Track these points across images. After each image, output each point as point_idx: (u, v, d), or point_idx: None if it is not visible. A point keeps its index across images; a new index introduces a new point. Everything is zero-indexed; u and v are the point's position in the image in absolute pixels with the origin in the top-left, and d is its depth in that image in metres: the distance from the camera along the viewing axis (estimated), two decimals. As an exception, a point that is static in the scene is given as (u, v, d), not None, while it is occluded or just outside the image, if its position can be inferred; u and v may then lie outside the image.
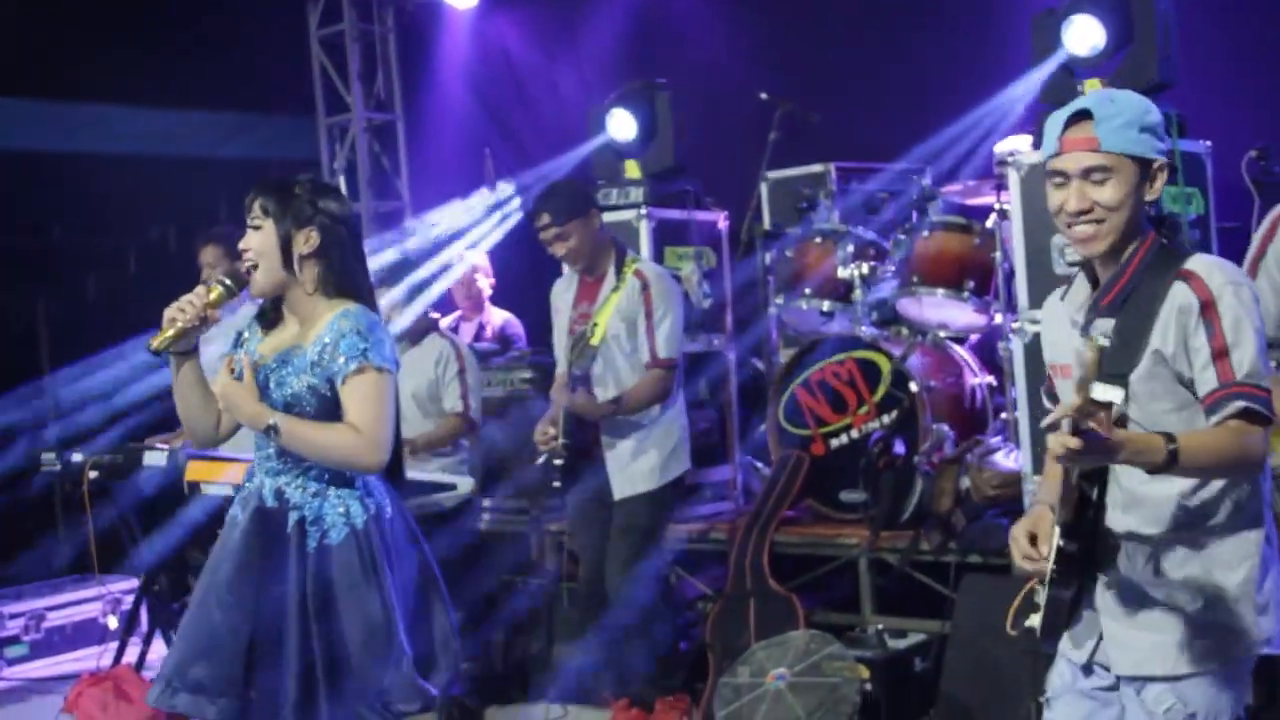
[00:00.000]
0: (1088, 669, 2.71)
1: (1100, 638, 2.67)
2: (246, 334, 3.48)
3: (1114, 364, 2.52)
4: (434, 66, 9.10)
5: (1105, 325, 2.59)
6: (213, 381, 3.35)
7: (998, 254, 5.24)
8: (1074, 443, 2.25)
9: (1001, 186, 5.26)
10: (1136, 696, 2.62)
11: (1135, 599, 2.61)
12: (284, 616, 3.22)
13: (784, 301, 5.88)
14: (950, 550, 4.81)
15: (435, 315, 5.89)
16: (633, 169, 6.03)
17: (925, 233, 5.39)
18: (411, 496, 4.82)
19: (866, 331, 5.50)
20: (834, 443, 5.43)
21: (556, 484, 4.94)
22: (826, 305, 5.74)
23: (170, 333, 3.26)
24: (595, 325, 4.80)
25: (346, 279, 3.35)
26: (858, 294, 5.64)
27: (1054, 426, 2.31)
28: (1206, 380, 2.52)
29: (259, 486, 3.35)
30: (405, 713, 3.33)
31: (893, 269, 5.62)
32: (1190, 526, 2.58)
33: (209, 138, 8.74)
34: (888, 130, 7.03)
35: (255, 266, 3.32)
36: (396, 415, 3.36)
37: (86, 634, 7.05)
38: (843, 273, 5.67)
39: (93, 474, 5.40)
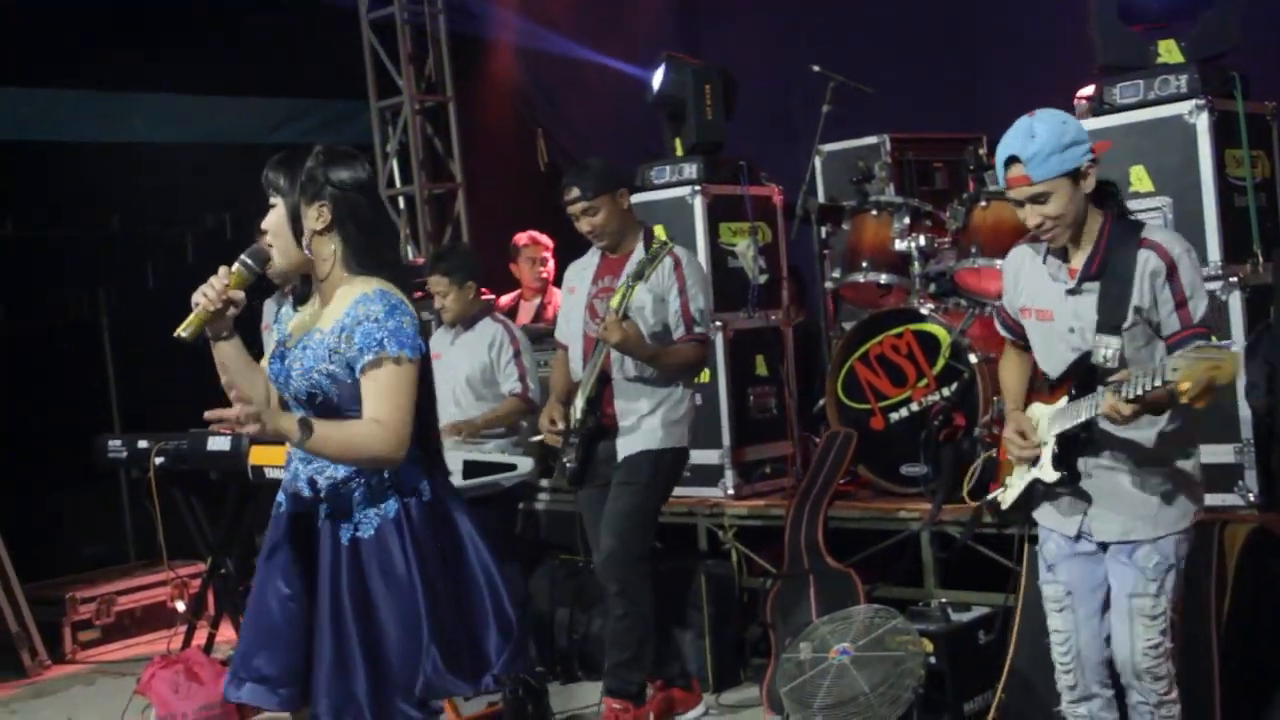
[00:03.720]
0: (1077, 538, 3.52)
1: (1084, 514, 3.49)
2: (284, 308, 3.40)
3: (1109, 319, 3.38)
4: (484, 48, 9.11)
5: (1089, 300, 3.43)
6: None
7: (1057, 222, 5.17)
8: (1127, 409, 3.20)
9: (1060, 154, 5.18)
10: (1128, 558, 3.44)
11: (1121, 485, 3.44)
12: (318, 610, 3.15)
13: (840, 275, 5.84)
14: (1013, 522, 4.76)
15: (491, 297, 5.90)
16: (678, 147, 6.02)
17: (983, 203, 5.33)
18: (471, 477, 4.87)
19: (924, 304, 5.46)
20: (893, 416, 5.40)
21: (569, 462, 4.92)
22: (884, 278, 5.70)
23: (194, 320, 3.14)
24: (618, 292, 4.73)
25: (366, 253, 3.18)
26: (915, 266, 5.60)
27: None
28: (1171, 324, 3.35)
29: (296, 473, 3.27)
30: (439, 708, 3.27)
31: (950, 240, 5.57)
32: (1155, 429, 3.39)
33: (262, 124, 8.81)
34: (942, 100, 6.97)
35: (272, 246, 3.21)
36: (430, 400, 3.24)
37: (156, 618, 7.16)
38: (899, 245, 5.62)
39: (159, 459, 5.47)
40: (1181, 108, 4.58)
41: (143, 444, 5.60)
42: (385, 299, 3.11)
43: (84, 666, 6.80)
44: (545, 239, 7.24)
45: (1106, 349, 3.36)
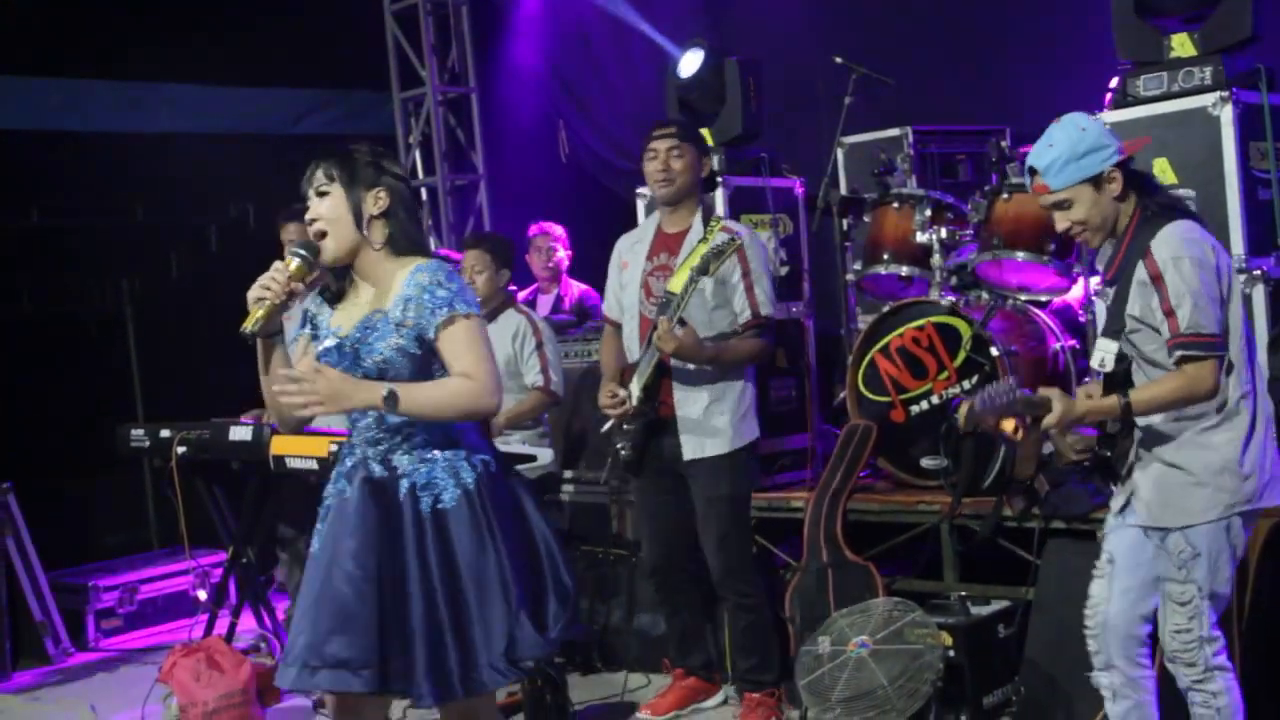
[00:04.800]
0: (1124, 512, 3.61)
1: (1132, 494, 3.57)
2: (314, 311, 3.46)
3: (1110, 324, 3.50)
4: (507, 39, 9.11)
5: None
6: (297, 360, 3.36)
7: (1079, 215, 5.15)
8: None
9: (1083, 146, 5.15)
10: (1160, 542, 3.50)
11: (1152, 472, 3.51)
12: (407, 583, 3.23)
13: (862, 267, 5.82)
14: (1034, 516, 4.75)
15: (512, 289, 5.91)
16: (707, 137, 5.99)
17: (1005, 195, 5.30)
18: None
19: (946, 296, 5.44)
20: (914, 409, 5.38)
21: (624, 451, 4.84)
22: (905, 270, 5.68)
23: (260, 313, 3.22)
24: (677, 274, 4.68)
25: (412, 236, 3.38)
26: (936, 258, 5.57)
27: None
28: (1164, 333, 3.39)
29: (363, 458, 3.34)
30: (531, 666, 3.43)
31: (971, 232, 5.55)
32: (1190, 421, 3.44)
33: (286, 115, 8.84)
34: (965, 92, 6.94)
35: (324, 234, 3.33)
36: None
37: (178, 606, 7.22)
38: (921, 237, 5.60)
39: (181, 449, 5.50)
40: (1205, 100, 4.55)
41: (165, 433, 5.63)
42: (441, 266, 3.32)
43: (107, 654, 6.84)
44: (555, 229, 7.20)
45: (1104, 353, 3.50)
